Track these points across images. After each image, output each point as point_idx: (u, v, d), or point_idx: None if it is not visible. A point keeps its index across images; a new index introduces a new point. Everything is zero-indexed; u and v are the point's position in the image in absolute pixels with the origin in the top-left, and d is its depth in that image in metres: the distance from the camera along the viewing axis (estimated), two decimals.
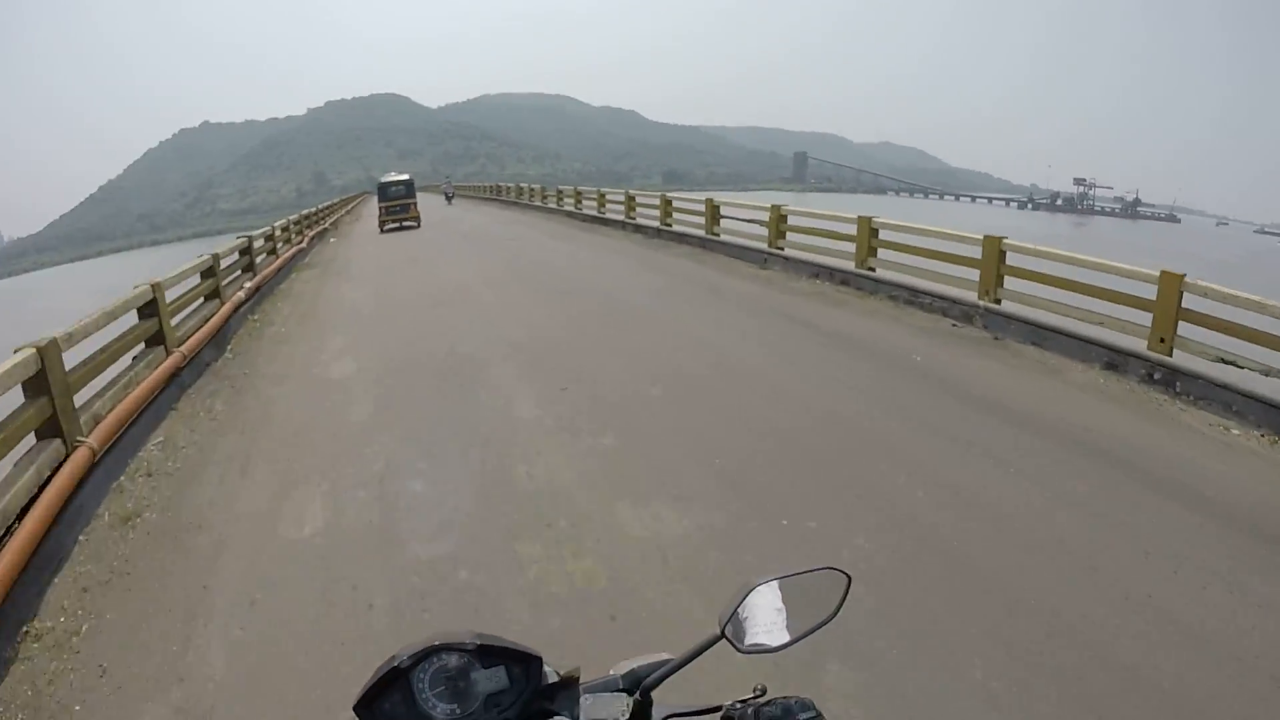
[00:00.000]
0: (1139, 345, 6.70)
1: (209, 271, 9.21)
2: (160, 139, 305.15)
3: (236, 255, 11.48)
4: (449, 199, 41.95)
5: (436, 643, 0.93)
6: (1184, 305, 6.42)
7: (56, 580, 3.90)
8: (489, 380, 6.91)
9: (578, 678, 1.01)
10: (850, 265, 10.71)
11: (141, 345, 6.73)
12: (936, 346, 7.75)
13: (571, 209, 25.07)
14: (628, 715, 0.98)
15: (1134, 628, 3.13)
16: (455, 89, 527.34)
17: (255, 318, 10.70)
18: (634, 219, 19.36)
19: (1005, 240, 8.40)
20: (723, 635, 0.98)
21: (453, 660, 0.94)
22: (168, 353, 6.90)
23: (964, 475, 4.62)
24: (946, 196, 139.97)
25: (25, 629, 3.45)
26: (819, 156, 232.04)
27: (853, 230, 10.66)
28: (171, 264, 8.60)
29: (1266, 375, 5.78)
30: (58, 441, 4.54)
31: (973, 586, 3.45)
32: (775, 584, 1.01)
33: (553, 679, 0.99)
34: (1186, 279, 6.38)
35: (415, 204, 26.31)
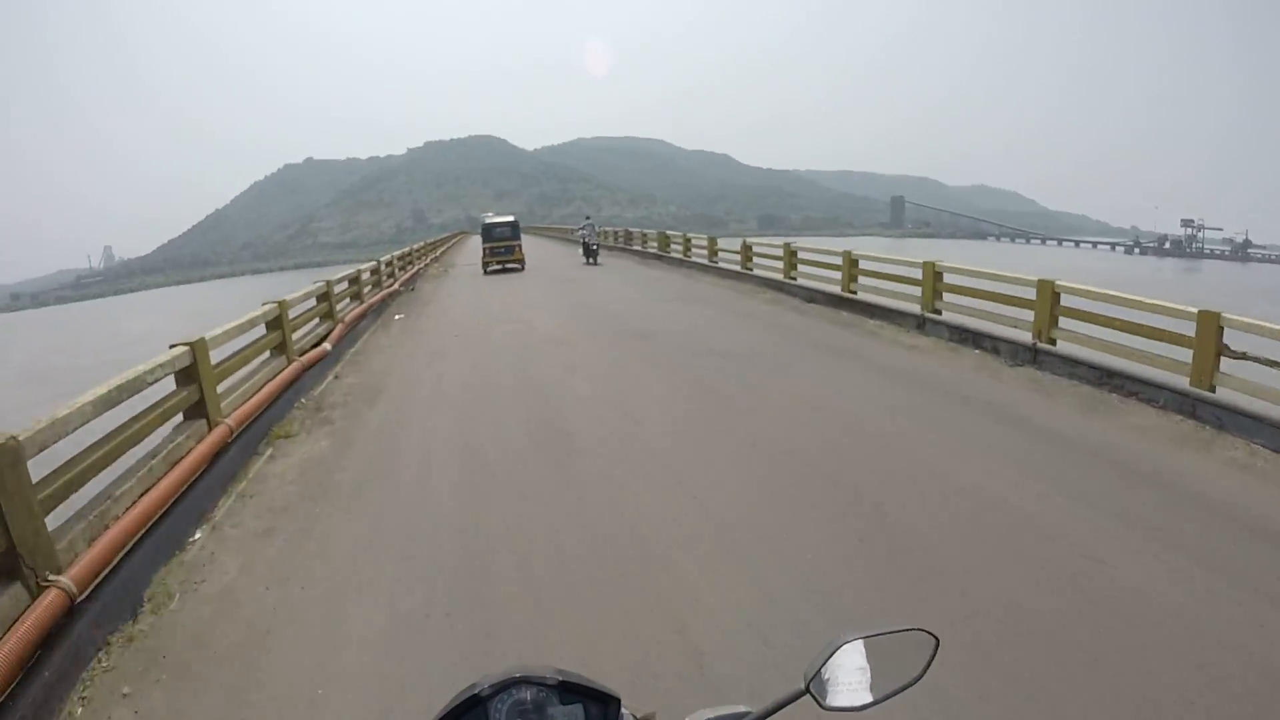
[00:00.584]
0: None
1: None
2: (266, 173, 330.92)
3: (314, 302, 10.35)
4: (591, 253, 25.88)
5: (517, 675, 0.95)
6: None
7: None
8: None
9: None
10: (1027, 337, 8.68)
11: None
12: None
13: (738, 267, 19.01)
14: None
15: None
16: (550, 131, 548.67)
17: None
18: (852, 292, 13.23)
19: None
20: (807, 691, 0.99)
21: (531, 694, 0.95)
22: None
23: None
24: (1049, 241, 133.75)
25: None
26: (914, 200, 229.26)
27: (1028, 294, 8.79)
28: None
29: None
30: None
31: None
32: (861, 642, 1.01)
33: None
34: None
35: (520, 246, 25.53)
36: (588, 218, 31.56)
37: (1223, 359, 6.46)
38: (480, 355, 10.23)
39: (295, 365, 7.89)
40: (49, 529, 3.41)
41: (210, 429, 5.48)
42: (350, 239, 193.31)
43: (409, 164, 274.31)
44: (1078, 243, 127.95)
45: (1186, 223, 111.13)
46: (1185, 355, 6.72)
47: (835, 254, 13.85)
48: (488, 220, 26.71)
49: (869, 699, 1.00)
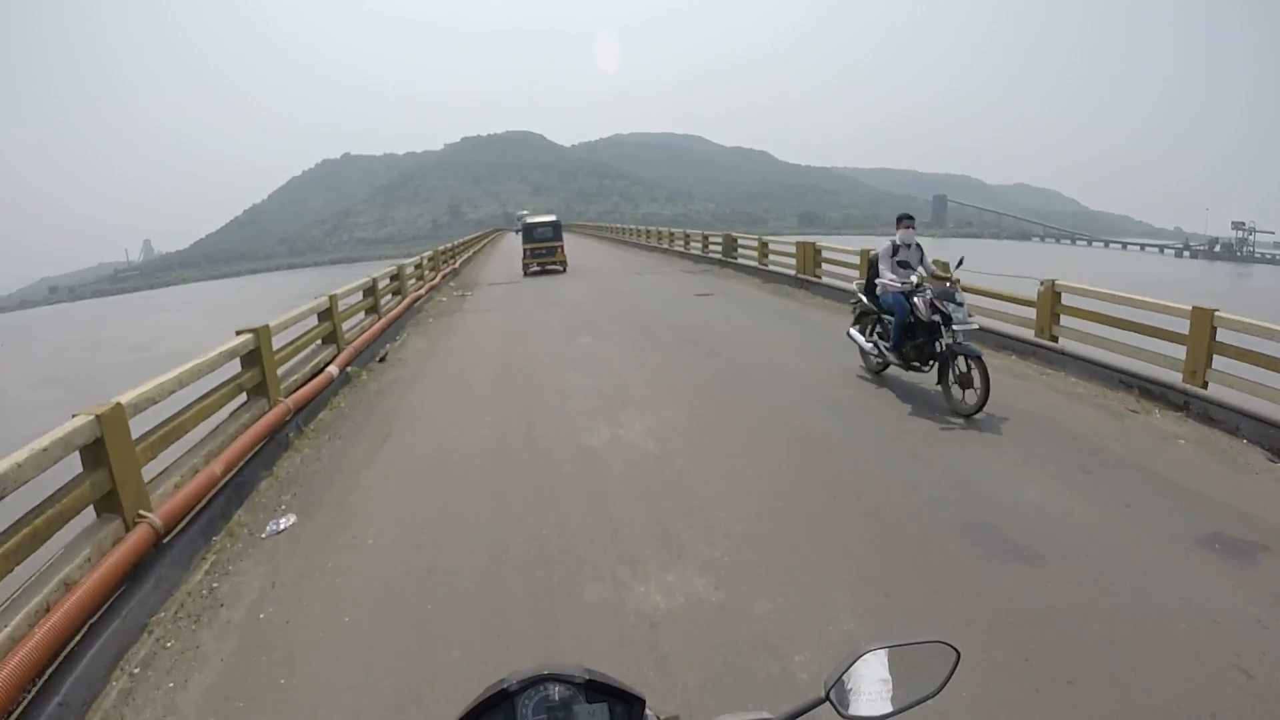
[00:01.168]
0: None
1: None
2: (304, 168, 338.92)
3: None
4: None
5: (546, 672, 0.98)
6: None
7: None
8: None
9: None
10: (1177, 379, 6.84)
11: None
12: None
13: (795, 272, 16.32)
14: None
15: None
16: (587, 128, 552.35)
17: None
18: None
19: None
20: (827, 698, 1.02)
21: (559, 692, 0.97)
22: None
23: None
24: (1095, 243, 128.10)
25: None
26: (956, 199, 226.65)
27: (1180, 326, 6.88)
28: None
29: None
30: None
31: None
32: (883, 652, 1.05)
33: None
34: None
35: (562, 247, 24.51)
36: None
37: None
38: None
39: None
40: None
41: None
42: (386, 234, 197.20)
43: (446, 159, 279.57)
44: (1125, 244, 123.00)
45: (1237, 225, 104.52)
46: None
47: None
48: (528, 220, 25.76)
49: (888, 709, 1.03)
